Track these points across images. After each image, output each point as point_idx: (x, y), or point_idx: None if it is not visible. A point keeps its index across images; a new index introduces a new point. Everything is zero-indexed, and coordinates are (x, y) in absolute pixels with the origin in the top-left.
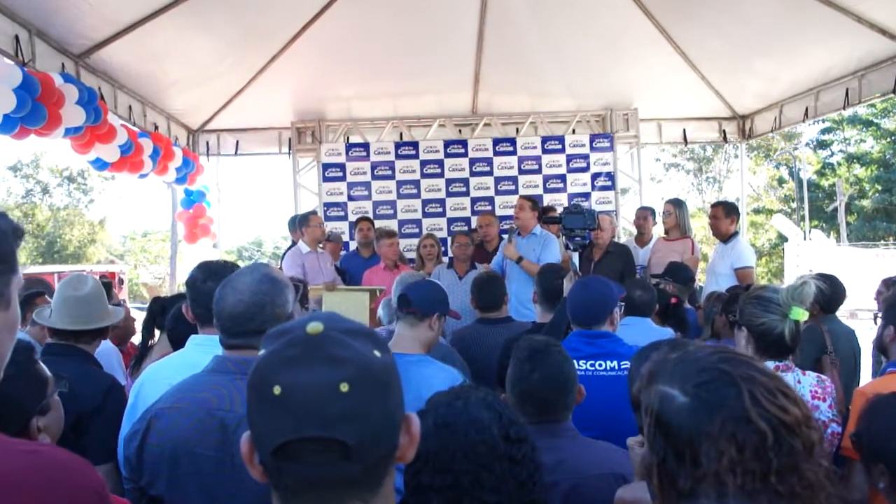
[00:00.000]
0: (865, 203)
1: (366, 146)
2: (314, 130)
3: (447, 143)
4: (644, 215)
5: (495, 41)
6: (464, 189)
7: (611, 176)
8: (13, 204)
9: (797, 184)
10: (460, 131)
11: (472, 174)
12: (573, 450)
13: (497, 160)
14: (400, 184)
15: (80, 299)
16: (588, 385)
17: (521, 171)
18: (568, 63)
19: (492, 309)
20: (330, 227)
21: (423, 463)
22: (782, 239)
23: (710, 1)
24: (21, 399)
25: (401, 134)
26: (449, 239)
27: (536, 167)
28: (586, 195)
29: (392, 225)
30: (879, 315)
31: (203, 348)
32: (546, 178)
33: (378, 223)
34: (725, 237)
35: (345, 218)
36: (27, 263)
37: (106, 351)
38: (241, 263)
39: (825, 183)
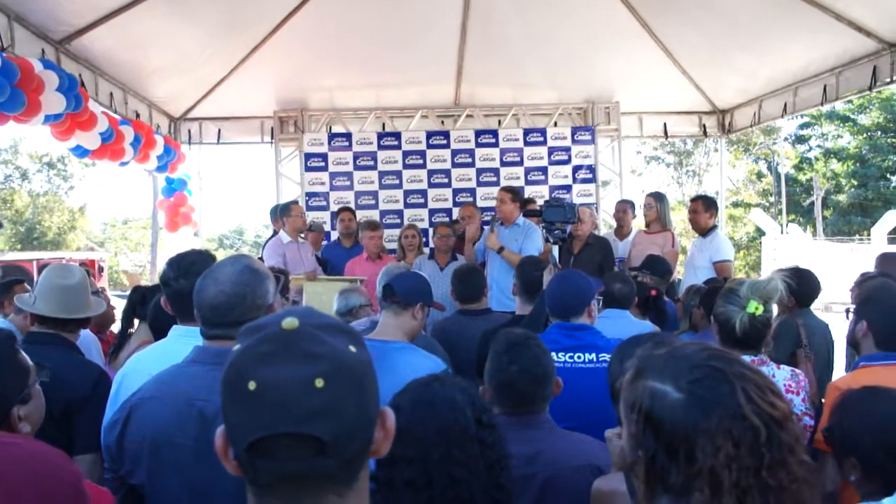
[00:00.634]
0: (841, 198)
1: (348, 136)
2: (296, 120)
3: (429, 135)
4: (623, 208)
5: (478, 33)
6: (446, 180)
7: (592, 169)
8: None
9: (775, 178)
10: (443, 122)
11: (455, 165)
12: (550, 441)
13: (479, 152)
14: (382, 174)
15: (69, 288)
16: (566, 377)
17: (503, 163)
18: (550, 56)
19: (472, 300)
20: (311, 216)
21: (397, 437)
22: (760, 233)
23: None
24: (2, 387)
25: (383, 124)
26: (430, 230)
27: (518, 159)
28: (567, 188)
29: (374, 215)
30: (851, 310)
31: (185, 339)
32: (527, 171)
33: (360, 213)
34: (704, 231)
35: (326, 208)
36: (5, 250)
37: (85, 339)
38: (222, 252)
39: (803, 178)
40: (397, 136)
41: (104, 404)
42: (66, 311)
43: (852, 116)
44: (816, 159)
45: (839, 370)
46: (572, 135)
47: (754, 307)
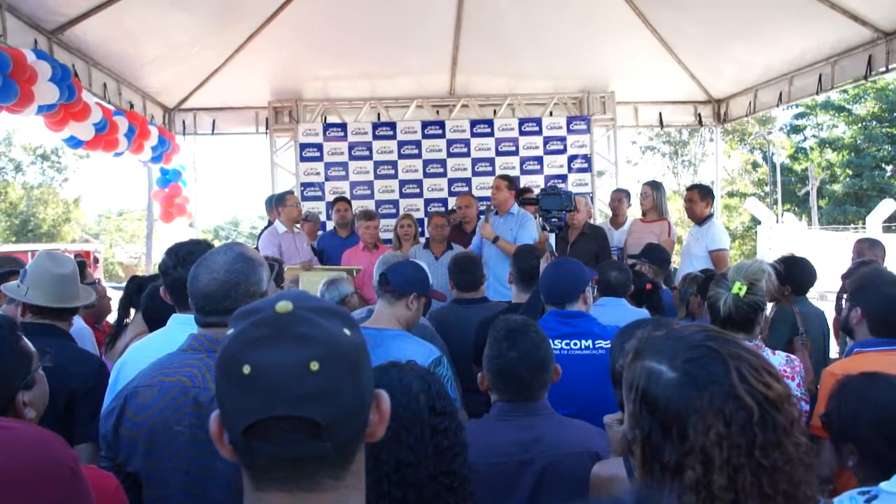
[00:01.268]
0: (836, 187)
1: (343, 126)
2: (291, 110)
3: (424, 125)
4: (619, 197)
5: (473, 23)
6: (441, 170)
7: (587, 158)
8: None
9: (770, 168)
10: (438, 112)
11: (450, 155)
12: (549, 428)
13: (474, 141)
14: (377, 164)
15: (63, 277)
16: (563, 364)
17: (499, 153)
18: (545, 45)
19: (469, 289)
20: (307, 207)
21: None
22: (755, 222)
23: None
24: (6, 374)
25: (378, 114)
26: (426, 220)
27: (513, 149)
28: (563, 177)
29: (369, 205)
30: (845, 298)
31: (184, 327)
32: (523, 160)
33: (355, 204)
34: (700, 220)
35: (322, 198)
36: (0, 242)
37: (79, 330)
38: (217, 243)
39: (798, 167)
40: (392, 126)
41: (103, 395)
42: (60, 300)
43: (847, 106)
44: (811, 149)
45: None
46: (568, 124)
47: (738, 287)
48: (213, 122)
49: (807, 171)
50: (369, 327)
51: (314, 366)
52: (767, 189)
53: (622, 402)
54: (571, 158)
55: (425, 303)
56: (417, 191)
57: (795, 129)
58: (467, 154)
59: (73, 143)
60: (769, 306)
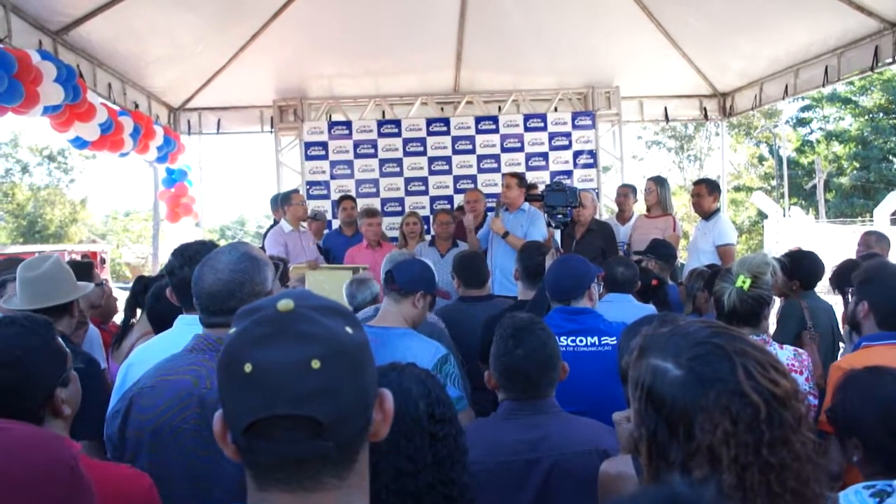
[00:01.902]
0: (843, 180)
1: (348, 124)
2: (296, 109)
3: (429, 122)
4: (625, 192)
5: (477, 19)
6: (446, 167)
7: (593, 154)
8: None
9: (777, 161)
10: (442, 109)
11: (455, 152)
12: (556, 426)
13: (479, 138)
14: (382, 162)
15: (36, 279)
16: (569, 361)
17: (504, 149)
18: (550, 41)
19: (474, 286)
20: (312, 205)
21: None
22: (762, 216)
23: None
24: (46, 370)
25: (383, 112)
26: (431, 217)
27: (519, 145)
28: (568, 173)
29: (375, 203)
30: (850, 291)
31: (191, 328)
32: (528, 156)
33: (361, 202)
34: (707, 214)
35: (327, 196)
36: (7, 244)
37: (88, 333)
38: (223, 242)
39: (804, 160)
40: (397, 123)
41: (93, 392)
42: (34, 301)
43: (854, 98)
44: (818, 142)
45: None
46: (573, 120)
47: (742, 281)
48: (218, 121)
49: (813, 164)
50: (375, 326)
51: (316, 364)
52: (774, 183)
53: (631, 399)
54: (577, 154)
55: (431, 301)
56: (423, 188)
57: (802, 122)
58: (472, 151)
59: (79, 143)
60: (777, 301)
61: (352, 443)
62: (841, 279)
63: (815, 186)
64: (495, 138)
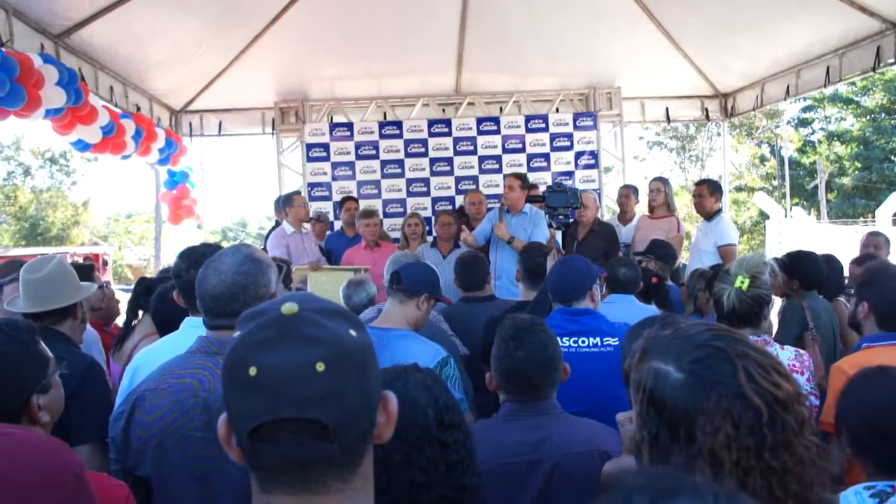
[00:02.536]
0: (845, 181)
1: (349, 126)
2: (297, 110)
3: (431, 123)
4: (626, 193)
5: (478, 20)
6: (448, 168)
7: (594, 154)
8: None
9: (778, 162)
10: (444, 110)
11: (457, 153)
12: (558, 427)
13: (481, 139)
14: (384, 163)
15: (38, 281)
16: (571, 362)
17: (505, 150)
18: (551, 42)
19: (475, 288)
20: (314, 207)
21: None
22: (764, 216)
23: None
24: (22, 375)
25: (384, 114)
26: (433, 218)
27: (520, 146)
28: (570, 174)
29: (376, 204)
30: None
31: (197, 331)
32: (530, 157)
33: (362, 203)
34: (709, 215)
35: (329, 198)
36: (10, 246)
37: (87, 335)
38: (225, 244)
39: (806, 161)
40: (398, 124)
41: (96, 395)
42: (36, 304)
43: (855, 98)
44: (820, 142)
45: None
46: (574, 121)
47: (740, 281)
48: (220, 123)
49: (815, 164)
50: (376, 327)
51: (320, 367)
52: (776, 183)
53: (634, 401)
54: (578, 155)
55: (433, 304)
56: (424, 189)
57: (803, 123)
58: (474, 152)
59: (81, 146)
60: (777, 302)
61: (356, 445)
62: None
63: (816, 187)
64: (497, 139)
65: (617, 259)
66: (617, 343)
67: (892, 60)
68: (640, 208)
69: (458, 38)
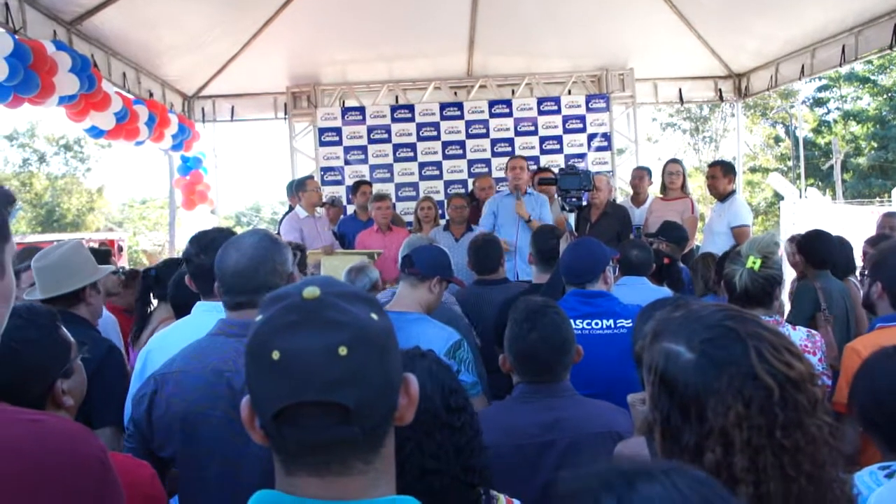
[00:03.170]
0: (861, 160)
1: (361, 110)
2: (309, 95)
3: (443, 106)
4: (640, 175)
5: (490, 2)
6: (460, 151)
7: (607, 136)
8: (11, 173)
9: (793, 142)
10: (456, 94)
11: (469, 136)
12: (570, 409)
13: (493, 122)
14: (396, 147)
15: (45, 268)
16: (584, 344)
17: (518, 133)
18: (563, 23)
19: (489, 271)
20: (327, 191)
21: None
22: (778, 197)
23: None
24: (45, 361)
25: (396, 97)
26: (446, 201)
27: (533, 129)
28: (583, 156)
29: (389, 188)
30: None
31: (209, 314)
32: (542, 140)
33: (375, 187)
34: (723, 196)
35: (342, 182)
36: (27, 233)
37: (104, 320)
38: (239, 229)
39: (821, 141)
40: (411, 108)
41: (115, 379)
42: (46, 291)
43: (872, 77)
44: (835, 122)
45: None
46: (587, 103)
47: (752, 261)
48: (232, 108)
49: (830, 144)
50: (390, 311)
51: (343, 351)
52: (790, 164)
53: (646, 382)
54: (591, 137)
55: (446, 287)
56: (437, 173)
57: (818, 102)
58: (486, 135)
59: (95, 132)
60: (788, 281)
61: (378, 427)
62: None
63: (832, 167)
64: (509, 122)
65: (629, 241)
66: (630, 325)
67: None
68: (653, 190)
69: (470, 20)
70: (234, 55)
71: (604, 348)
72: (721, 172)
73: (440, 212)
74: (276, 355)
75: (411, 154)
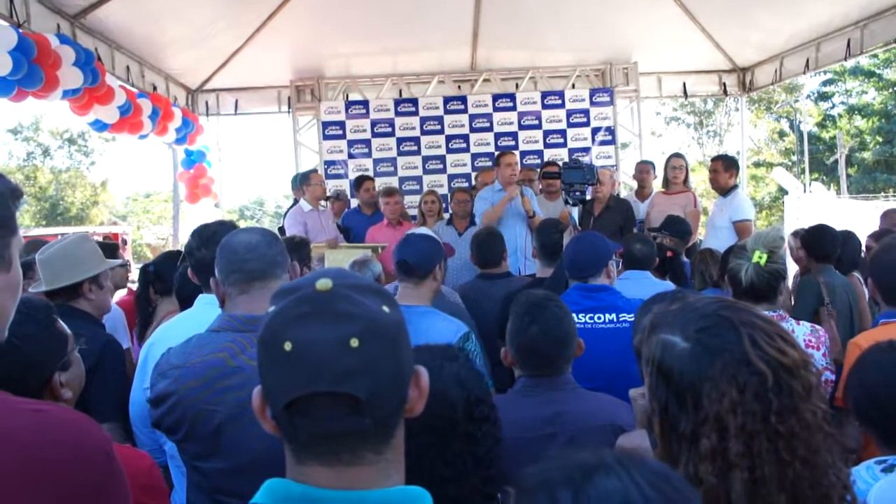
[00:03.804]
0: (866, 155)
1: (365, 104)
2: (313, 88)
3: (447, 100)
4: (645, 169)
5: None
6: (464, 145)
7: (611, 130)
8: (15, 167)
9: (798, 136)
10: (459, 87)
11: (472, 130)
12: (572, 402)
13: (497, 116)
14: (400, 141)
15: (44, 262)
16: (587, 338)
17: (521, 127)
18: (567, 17)
19: (492, 265)
20: (331, 185)
21: None
22: (782, 192)
23: None
24: (43, 354)
25: (400, 91)
26: (449, 195)
27: (536, 122)
28: (587, 150)
29: (393, 182)
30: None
31: (211, 307)
32: (546, 134)
33: (379, 181)
34: (725, 191)
35: (345, 176)
36: (31, 226)
37: (111, 314)
38: (243, 223)
39: (826, 135)
40: (414, 102)
41: (114, 373)
42: (46, 283)
43: (877, 71)
44: (840, 116)
45: None
46: (591, 96)
47: (758, 256)
48: (236, 102)
49: (835, 139)
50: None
51: (354, 342)
52: (795, 158)
53: (645, 375)
54: (595, 131)
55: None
56: (441, 166)
57: (823, 97)
58: (490, 129)
59: (99, 126)
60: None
61: (389, 419)
62: None
63: (836, 162)
64: (513, 116)
65: (633, 235)
66: (633, 319)
67: None
68: (658, 184)
69: (474, 13)
70: (237, 49)
71: (606, 342)
72: (723, 167)
73: (444, 206)
74: (288, 346)
75: (415, 148)
